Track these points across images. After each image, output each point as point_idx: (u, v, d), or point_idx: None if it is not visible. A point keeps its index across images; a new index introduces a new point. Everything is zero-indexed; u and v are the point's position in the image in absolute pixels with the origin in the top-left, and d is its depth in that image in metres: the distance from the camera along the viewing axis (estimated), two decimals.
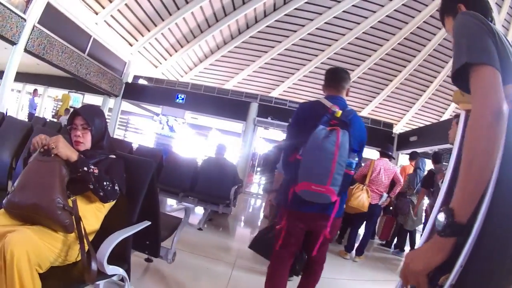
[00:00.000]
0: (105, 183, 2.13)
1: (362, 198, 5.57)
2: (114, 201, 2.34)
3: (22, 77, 15.79)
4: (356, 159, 2.74)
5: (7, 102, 18.26)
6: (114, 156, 2.46)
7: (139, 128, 18.77)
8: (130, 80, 16.18)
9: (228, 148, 7.45)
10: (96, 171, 2.11)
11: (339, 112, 2.72)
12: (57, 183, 1.96)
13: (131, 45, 16.21)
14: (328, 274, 4.78)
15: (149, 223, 2.51)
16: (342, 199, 2.87)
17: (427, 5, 17.00)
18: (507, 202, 1.06)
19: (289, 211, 2.92)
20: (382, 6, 17.26)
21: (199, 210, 7.49)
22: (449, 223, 1.04)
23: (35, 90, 15.42)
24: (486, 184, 1.05)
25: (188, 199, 6.59)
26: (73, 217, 2.01)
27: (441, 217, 1.07)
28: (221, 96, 15.24)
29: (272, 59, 20.21)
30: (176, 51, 18.89)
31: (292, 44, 19.18)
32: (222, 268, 4.45)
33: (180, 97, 15.17)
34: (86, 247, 2.03)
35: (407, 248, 7.28)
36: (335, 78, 3.11)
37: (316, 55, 19.70)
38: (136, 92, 15.94)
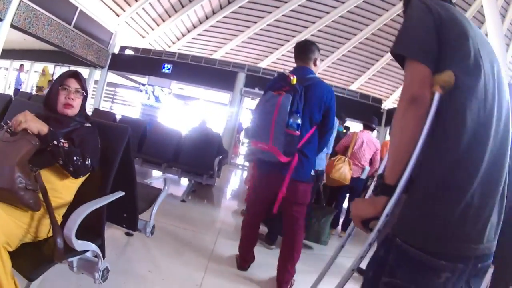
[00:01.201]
0: (75, 158, 1.97)
1: (344, 170, 5.45)
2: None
3: (8, 54, 15.54)
4: (299, 120, 2.88)
5: None
6: (89, 125, 2.31)
7: (127, 100, 18.51)
8: (116, 51, 15.84)
9: (214, 119, 7.38)
10: (66, 145, 1.96)
11: (294, 80, 2.94)
12: (18, 161, 1.80)
13: (118, 15, 15.79)
14: (317, 250, 4.84)
15: (123, 193, 2.35)
16: (302, 162, 3.06)
17: None
18: (426, 171, 1.26)
19: (256, 170, 3.28)
20: None
21: (184, 182, 7.45)
22: (379, 184, 1.36)
23: (21, 65, 15.17)
24: (406, 156, 1.26)
25: (172, 169, 6.53)
26: (39, 193, 1.90)
27: (377, 180, 1.39)
28: (208, 66, 14.98)
29: (261, 29, 19.88)
30: (163, 21, 18.44)
31: (282, 15, 18.82)
32: (204, 240, 4.41)
33: (167, 67, 14.91)
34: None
35: None
36: (300, 50, 3.40)
37: (307, 27, 19.40)
38: (122, 63, 15.63)
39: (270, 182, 3.14)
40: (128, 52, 15.86)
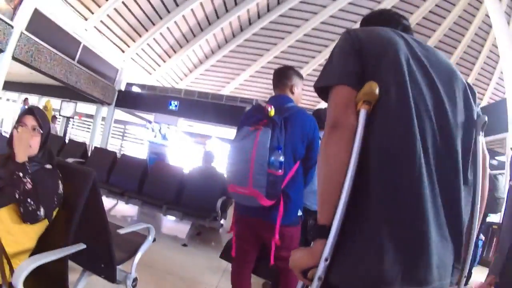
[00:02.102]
0: (29, 201, 1.89)
1: None
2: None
3: (17, 86, 15.96)
4: (281, 158, 2.50)
5: (1, 112, 18.49)
6: (49, 167, 2.16)
7: (138, 137, 18.37)
8: (123, 87, 15.80)
9: (223, 156, 6.98)
10: (29, 185, 1.90)
11: (271, 111, 2.61)
12: None
13: (123, 51, 15.87)
14: None
15: (83, 246, 2.17)
16: (286, 204, 2.67)
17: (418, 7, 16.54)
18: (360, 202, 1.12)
19: (236, 216, 2.90)
20: (379, 2, 17.00)
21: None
22: (312, 227, 1.35)
23: (26, 99, 15.01)
24: (335, 189, 1.12)
25: (173, 212, 6.12)
26: None
27: (311, 222, 1.37)
28: (215, 102, 14.84)
29: (268, 62, 19.84)
30: (169, 57, 18.54)
31: (288, 47, 18.84)
32: None
33: (173, 104, 14.77)
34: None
35: None
36: (276, 77, 3.07)
37: (314, 57, 19.31)
38: (129, 100, 15.58)
39: (254, 228, 2.80)
40: (135, 89, 15.83)
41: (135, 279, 2.89)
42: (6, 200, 1.90)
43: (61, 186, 2.11)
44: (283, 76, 3.00)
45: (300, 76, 3.08)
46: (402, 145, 1.13)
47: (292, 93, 2.99)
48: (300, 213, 2.83)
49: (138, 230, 3.18)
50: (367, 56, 1.25)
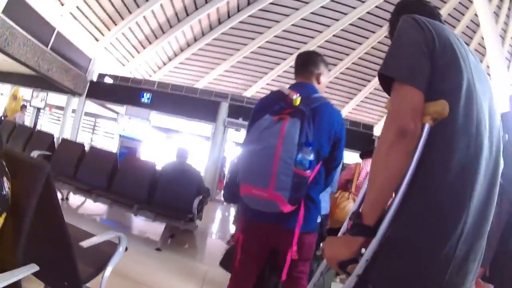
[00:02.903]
0: None
1: (349, 208, 4.62)
2: None
3: None
4: (311, 156, 2.10)
5: None
6: None
7: (109, 131, 17.77)
8: (95, 78, 15.19)
9: (196, 153, 6.49)
10: None
11: (297, 100, 2.20)
12: None
13: (97, 40, 15.19)
14: None
15: (36, 269, 1.66)
16: (309, 209, 2.30)
17: None
18: (413, 214, 1.14)
19: (244, 221, 2.46)
20: (363, 1, 16.69)
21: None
22: (356, 224, 1.20)
23: None
24: (388, 195, 1.17)
25: (145, 212, 5.60)
26: None
27: (353, 218, 1.23)
28: (189, 95, 14.34)
29: (244, 57, 19.44)
30: (144, 48, 17.92)
31: (266, 42, 18.45)
32: None
33: (146, 96, 14.20)
34: None
35: None
36: (301, 62, 2.67)
37: (291, 54, 18.87)
38: (100, 91, 14.98)
39: (266, 237, 2.35)
40: (107, 80, 15.24)
41: None
42: None
43: (6, 184, 1.55)
44: (310, 62, 2.59)
45: (327, 65, 2.68)
46: (469, 162, 1.13)
47: (319, 82, 2.59)
48: (319, 219, 2.43)
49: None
50: (438, 61, 1.19)
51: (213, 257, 5.56)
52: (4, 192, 1.53)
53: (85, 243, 2.16)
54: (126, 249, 2.70)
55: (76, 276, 2.00)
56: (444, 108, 1.12)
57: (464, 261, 1.13)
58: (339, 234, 1.47)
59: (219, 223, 9.88)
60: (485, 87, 1.27)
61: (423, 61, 1.18)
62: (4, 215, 1.55)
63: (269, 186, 2.04)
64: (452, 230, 1.09)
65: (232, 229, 7.74)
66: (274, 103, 2.31)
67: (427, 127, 1.14)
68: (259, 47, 18.71)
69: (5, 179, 1.56)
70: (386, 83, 1.26)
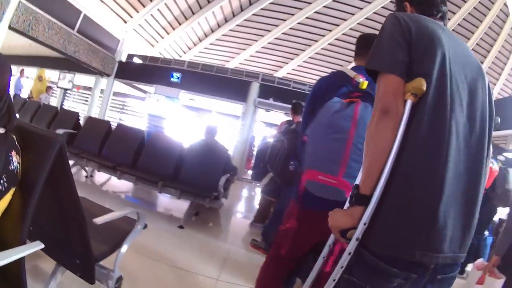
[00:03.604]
0: None
1: None
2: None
3: (16, 60, 15.66)
4: None
5: None
6: (1, 131, 1.46)
7: (138, 111, 17.88)
8: (124, 59, 15.25)
9: (226, 132, 6.39)
10: None
11: (364, 83, 2.13)
12: None
13: (125, 21, 15.18)
14: None
15: (41, 246, 1.55)
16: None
17: None
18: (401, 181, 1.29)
19: (300, 209, 2.27)
20: None
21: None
22: (354, 194, 1.38)
23: (22, 70, 14.77)
24: (379, 166, 1.30)
25: (170, 189, 5.55)
26: None
27: (352, 189, 1.41)
28: (219, 75, 14.18)
29: (276, 38, 19.11)
30: (174, 29, 17.83)
31: (298, 23, 18.08)
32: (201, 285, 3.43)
33: (175, 76, 14.17)
34: None
35: None
36: (363, 44, 2.54)
37: (323, 35, 18.58)
38: (129, 71, 15.02)
39: (323, 227, 2.12)
40: (136, 60, 15.28)
41: (119, 279, 2.37)
42: None
43: (15, 159, 1.50)
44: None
45: None
46: (435, 134, 1.29)
47: None
48: None
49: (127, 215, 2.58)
50: (416, 50, 1.36)
51: (236, 237, 5.50)
52: (13, 167, 1.48)
53: (99, 220, 2.07)
54: (146, 226, 2.63)
55: (89, 254, 1.95)
56: (420, 83, 1.29)
57: (444, 224, 1.27)
58: (345, 207, 1.59)
59: (245, 202, 9.81)
60: (467, 71, 1.43)
61: (399, 52, 1.37)
62: (12, 190, 1.50)
63: (339, 172, 1.99)
64: (421, 195, 1.27)
65: (251, 208, 7.64)
66: (338, 85, 2.23)
67: (409, 102, 1.31)
68: (290, 28, 18.38)
69: (13, 153, 1.50)
70: (374, 75, 1.45)
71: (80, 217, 1.80)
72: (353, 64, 2.59)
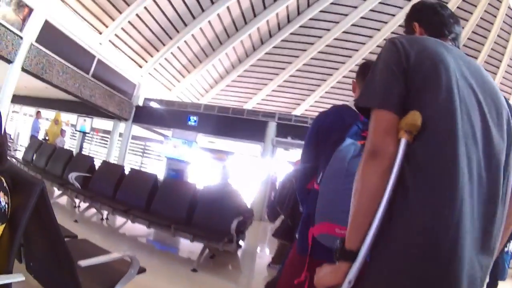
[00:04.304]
0: None
1: None
2: None
3: (33, 101, 16.54)
4: None
5: (18, 126, 18.78)
6: None
7: (158, 154, 18.09)
8: (141, 103, 15.61)
9: (246, 172, 6.34)
10: None
11: None
12: None
13: (140, 66, 15.65)
14: None
15: (21, 278, 1.71)
16: None
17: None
18: (394, 236, 1.11)
19: (311, 260, 2.08)
20: (401, 8, 16.24)
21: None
22: (338, 248, 1.22)
23: (38, 112, 15.12)
24: (367, 218, 1.14)
25: (182, 233, 5.48)
26: None
27: (336, 244, 1.25)
28: (236, 116, 14.35)
29: (290, 76, 19.34)
30: (189, 72, 18.23)
31: (310, 58, 18.33)
32: None
33: (193, 119, 14.37)
34: None
35: None
36: (366, 72, 2.00)
37: (337, 69, 18.70)
38: (147, 115, 15.35)
39: None
40: (153, 104, 15.59)
41: None
42: None
43: (2, 200, 1.66)
44: None
45: None
46: (441, 181, 1.09)
47: None
48: None
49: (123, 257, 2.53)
50: (414, 77, 1.21)
51: (251, 280, 5.33)
52: (1, 206, 1.64)
53: (83, 263, 2.04)
54: (144, 270, 2.56)
55: None
56: (414, 118, 1.13)
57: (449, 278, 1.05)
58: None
59: (264, 243, 9.52)
60: (480, 95, 1.25)
61: (393, 83, 1.22)
62: (2, 227, 1.68)
63: None
64: (433, 253, 1.05)
65: (272, 249, 7.41)
66: (345, 122, 2.10)
67: (403, 142, 1.14)
68: (304, 64, 18.57)
69: (1, 193, 1.66)
70: (366, 112, 1.29)
71: (67, 255, 1.87)
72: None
